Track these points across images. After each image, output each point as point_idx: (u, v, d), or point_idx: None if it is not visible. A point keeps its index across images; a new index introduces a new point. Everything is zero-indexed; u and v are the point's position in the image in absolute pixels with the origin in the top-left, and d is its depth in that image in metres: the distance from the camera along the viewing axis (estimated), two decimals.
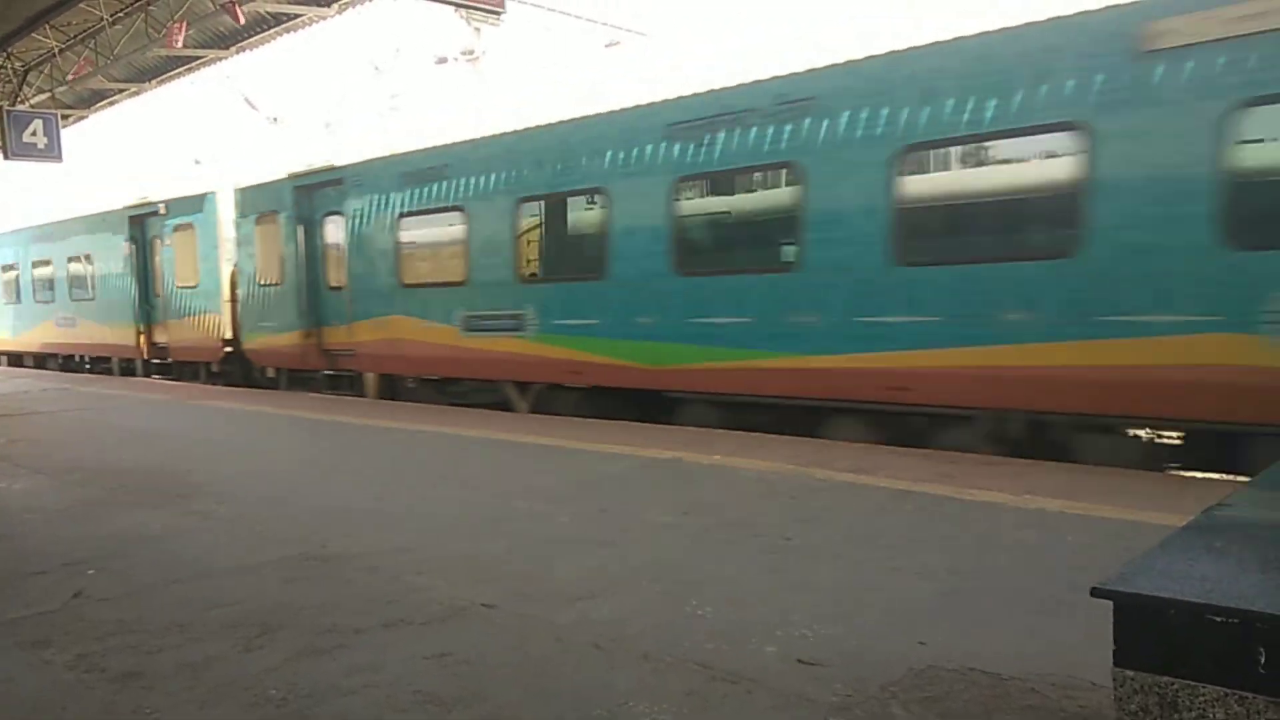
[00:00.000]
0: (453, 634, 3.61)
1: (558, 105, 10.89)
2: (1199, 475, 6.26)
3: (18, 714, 3.07)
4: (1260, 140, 6.17)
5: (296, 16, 15.72)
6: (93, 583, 4.41)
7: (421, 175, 11.69)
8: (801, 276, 8.16)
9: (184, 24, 14.63)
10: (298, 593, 4.16)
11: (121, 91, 20.51)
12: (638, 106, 9.54)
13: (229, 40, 17.22)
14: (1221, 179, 6.12)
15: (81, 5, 15.85)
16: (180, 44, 14.81)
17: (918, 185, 7.60)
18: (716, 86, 8.82)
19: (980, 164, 7.62)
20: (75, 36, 17.66)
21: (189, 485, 6.70)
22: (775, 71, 8.45)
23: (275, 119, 24.78)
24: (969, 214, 7.74)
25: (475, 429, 9.17)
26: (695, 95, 9.01)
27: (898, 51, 7.65)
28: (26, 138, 16.07)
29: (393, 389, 12.94)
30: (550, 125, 10.37)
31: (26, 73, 19.15)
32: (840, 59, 8.03)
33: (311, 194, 13.52)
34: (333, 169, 13.17)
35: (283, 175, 14.01)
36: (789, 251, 8.42)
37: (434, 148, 11.73)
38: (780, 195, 8.55)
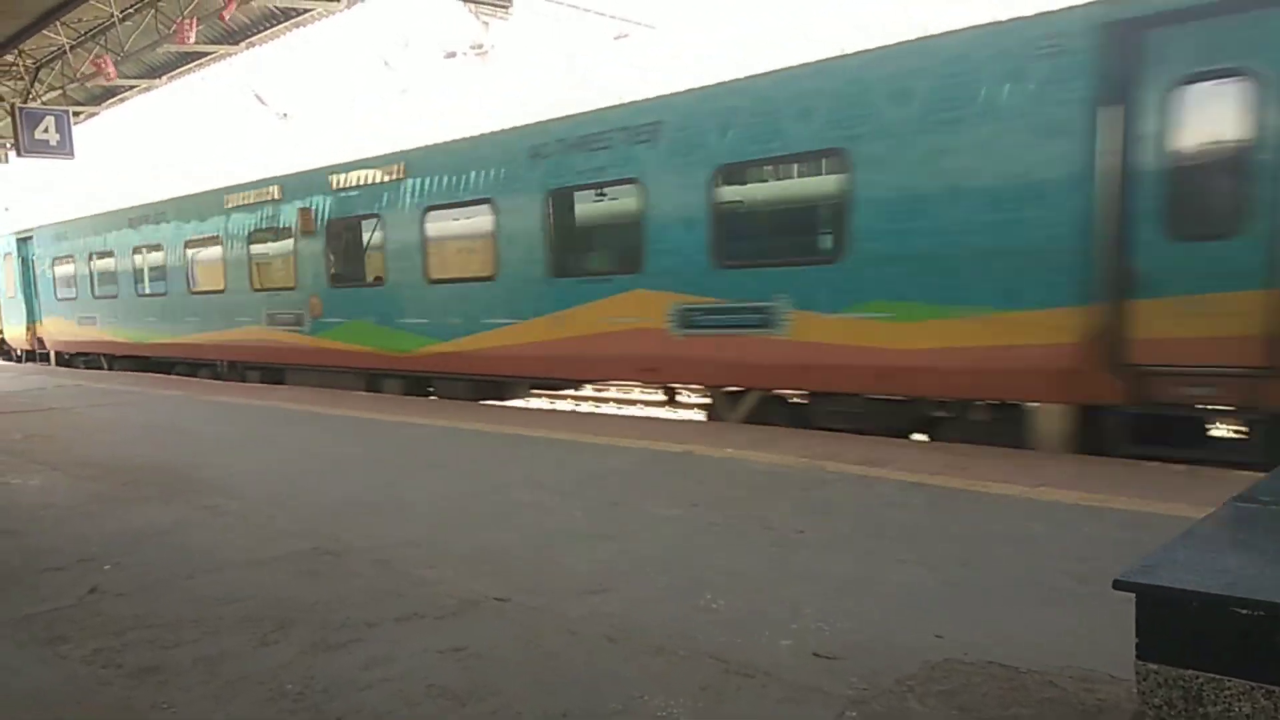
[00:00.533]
0: (465, 628, 3.60)
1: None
2: (1209, 466, 6.22)
3: (36, 709, 3.08)
4: None
5: (306, 11, 15.72)
6: (108, 578, 4.42)
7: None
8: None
9: (194, 20, 14.66)
10: (310, 587, 4.17)
11: (132, 88, 20.55)
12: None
13: (238, 36, 17.25)
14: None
15: (92, 2, 15.90)
16: (192, 40, 14.84)
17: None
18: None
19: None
20: (85, 33, 17.71)
21: (201, 480, 6.72)
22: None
23: (285, 114, 24.82)
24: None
25: (482, 423, 9.17)
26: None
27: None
28: (39, 135, 16.13)
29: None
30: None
31: (38, 70, 19.21)
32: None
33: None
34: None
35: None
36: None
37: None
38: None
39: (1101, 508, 5.10)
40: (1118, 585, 1.81)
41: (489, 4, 12.37)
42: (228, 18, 14.19)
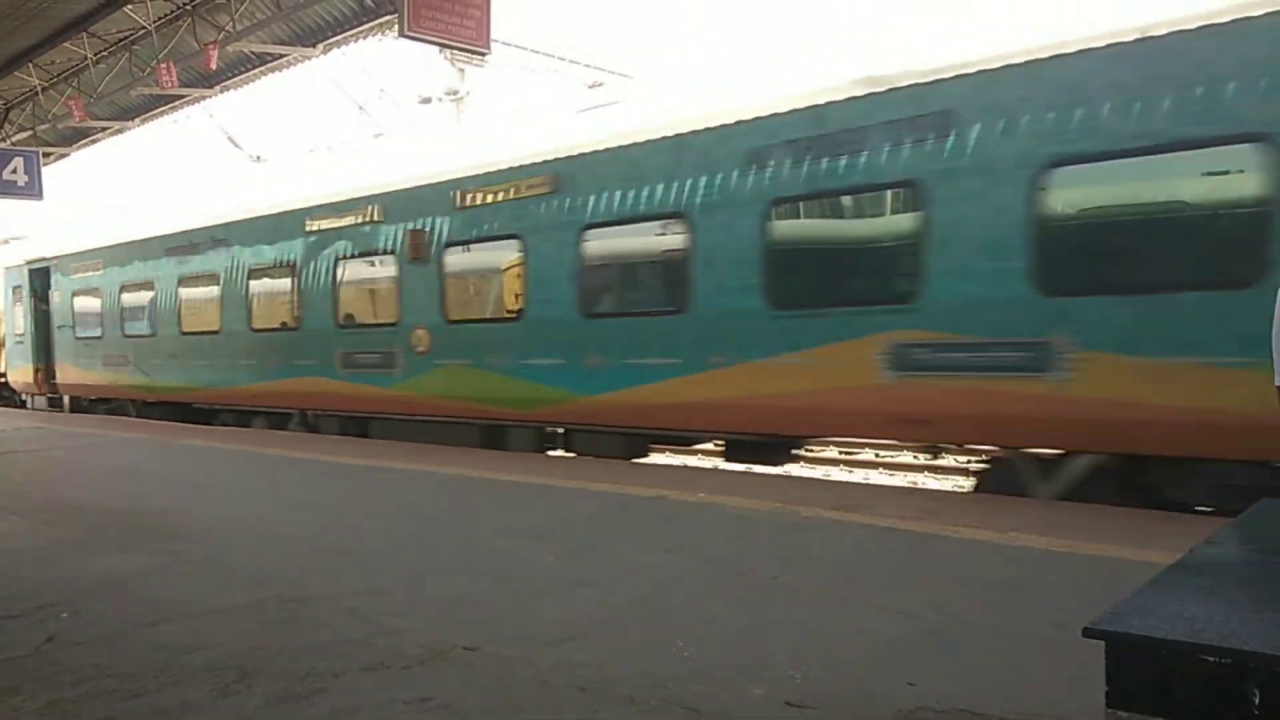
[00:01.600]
0: (433, 677, 3.54)
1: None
2: (1174, 512, 6.27)
3: None
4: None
5: (281, 56, 15.80)
6: (66, 626, 4.31)
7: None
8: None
9: (171, 63, 14.69)
10: (275, 635, 4.08)
11: (104, 130, 20.50)
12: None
13: (213, 79, 17.28)
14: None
15: (66, 45, 15.92)
16: (173, 84, 14.87)
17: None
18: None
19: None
20: (58, 75, 17.69)
21: (165, 525, 6.60)
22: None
23: (258, 157, 24.80)
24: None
25: (454, 466, 9.10)
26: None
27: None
28: (7, 175, 16.02)
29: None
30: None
31: (8, 111, 19.13)
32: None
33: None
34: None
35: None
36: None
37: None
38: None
39: (1070, 553, 5.13)
40: (1087, 633, 1.81)
41: (466, 50, 12.47)
42: (214, 65, 14.22)
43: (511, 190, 10.35)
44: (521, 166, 10.21)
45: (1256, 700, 1.66)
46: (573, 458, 9.69)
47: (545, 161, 9.98)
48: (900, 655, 3.66)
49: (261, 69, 16.58)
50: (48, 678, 3.65)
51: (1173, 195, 6.38)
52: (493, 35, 11.35)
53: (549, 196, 9.91)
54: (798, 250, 8.22)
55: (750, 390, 8.24)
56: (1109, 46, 6.42)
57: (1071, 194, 6.70)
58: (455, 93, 24.37)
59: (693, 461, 12.04)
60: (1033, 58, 6.73)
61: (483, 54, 12.20)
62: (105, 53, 16.50)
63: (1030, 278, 6.69)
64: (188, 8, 14.86)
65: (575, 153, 9.70)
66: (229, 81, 17.32)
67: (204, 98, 18.32)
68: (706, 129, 8.66)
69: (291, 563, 5.43)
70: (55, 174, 22.27)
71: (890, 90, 7.41)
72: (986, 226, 6.89)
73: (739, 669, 3.52)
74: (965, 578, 4.75)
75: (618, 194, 9.27)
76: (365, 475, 8.93)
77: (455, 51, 17.29)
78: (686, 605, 4.40)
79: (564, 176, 9.75)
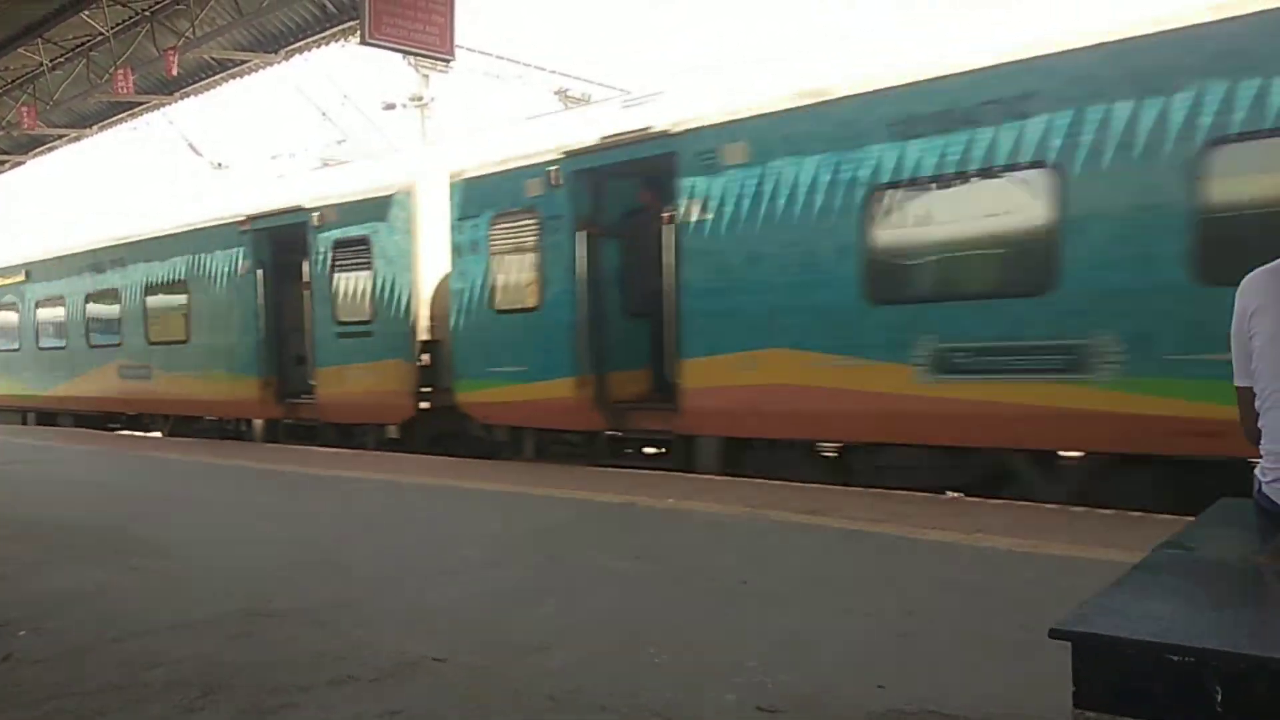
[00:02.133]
0: (402, 690, 3.51)
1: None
2: (1137, 512, 6.37)
3: None
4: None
5: (243, 63, 15.62)
6: (25, 644, 4.22)
7: None
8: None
9: (129, 70, 14.47)
10: (241, 650, 4.03)
11: (61, 137, 20.16)
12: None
13: (172, 86, 17.04)
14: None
15: (20, 51, 15.64)
16: (129, 90, 14.63)
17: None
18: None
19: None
20: (12, 82, 17.37)
21: (127, 539, 6.49)
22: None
23: (220, 164, 24.53)
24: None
25: (421, 476, 9.04)
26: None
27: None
28: None
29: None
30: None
31: None
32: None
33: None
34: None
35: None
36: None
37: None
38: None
39: (1036, 553, 5.19)
40: (1054, 634, 1.83)
41: (430, 56, 12.41)
42: (174, 72, 14.01)
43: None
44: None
45: (1219, 697, 1.68)
46: (542, 465, 9.65)
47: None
48: (870, 658, 3.68)
49: (222, 75, 16.37)
50: (6, 697, 3.57)
51: None
52: (457, 41, 11.31)
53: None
54: None
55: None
56: None
57: None
58: (420, 98, 24.26)
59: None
60: None
61: (446, 60, 12.14)
62: (62, 59, 16.22)
63: None
64: (146, 14, 14.65)
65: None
66: (189, 88, 17.08)
67: (163, 105, 18.06)
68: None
69: (257, 575, 5.36)
70: (10, 182, 21.90)
71: None
72: None
73: (710, 675, 3.52)
74: (933, 580, 4.79)
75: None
76: (331, 485, 8.84)
77: (419, 58, 17.20)
78: (657, 612, 4.40)
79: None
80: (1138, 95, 6.44)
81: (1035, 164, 6.81)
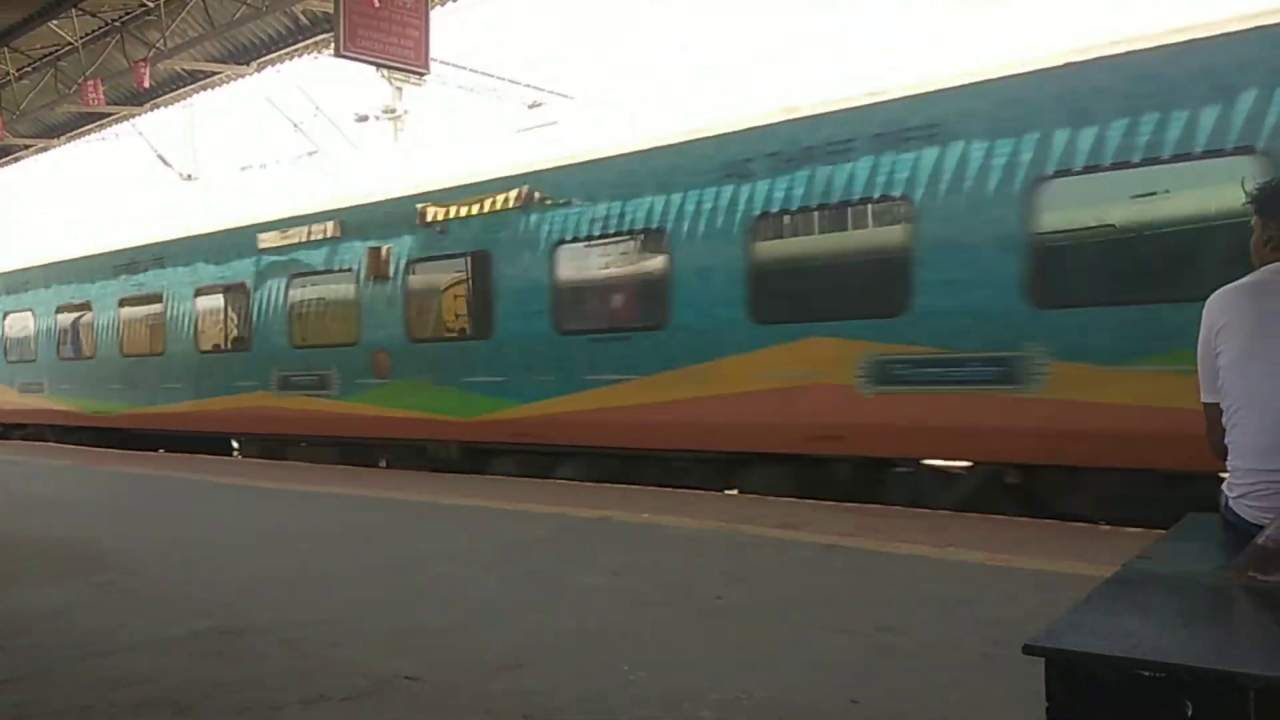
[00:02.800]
0: (375, 709, 3.48)
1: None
2: (1106, 526, 6.45)
3: None
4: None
5: (213, 74, 15.52)
6: None
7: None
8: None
9: (99, 80, 14.32)
10: (211, 669, 3.98)
11: (27, 148, 19.91)
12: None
13: (142, 98, 16.89)
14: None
15: None
16: (99, 101, 14.47)
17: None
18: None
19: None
20: None
21: (95, 555, 6.39)
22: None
23: (189, 175, 24.32)
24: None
25: (395, 491, 8.98)
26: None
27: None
28: None
29: None
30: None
31: None
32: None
33: None
34: None
35: None
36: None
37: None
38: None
39: (1008, 568, 5.23)
40: (1027, 650, 1.85)
41: (404, 69, 12.40)
42: (145, 84, 13.88)
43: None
44: None
45: (1189, 712, 1.71)
46: (516, 480, 9.62)
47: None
48: (846, 674, 3.69)
49: (193, 86, 16.25)
50: None
51: None
52: (432, 54, 11.30)
53: None
54: None
55: None
56: None
57: None
58: (392, 111, 24.21)
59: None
60: None
61: (421, 74, 12.14)
62: (29, 68, 16.04)
63: None
64: (116, 24, 14.52)
65: None
66: (159, 99, 16.93)
67: (133, 116, 17.90)
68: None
69: (228, 592, 5.30)
70: None
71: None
72: None
73: (687, 691, 3.52)
74: (906, 594, 4.82)
75: None
76: (304, 501, 8.77)
77: (392, 70, 17.16)
78: (633, 628, 4.39)
79: None
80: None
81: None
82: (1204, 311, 2.86)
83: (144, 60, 13.62)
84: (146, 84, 13.72)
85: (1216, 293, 2.85)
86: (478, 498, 8.31)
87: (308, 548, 6.58)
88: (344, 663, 3.99)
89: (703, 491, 8.41)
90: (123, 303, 15.72)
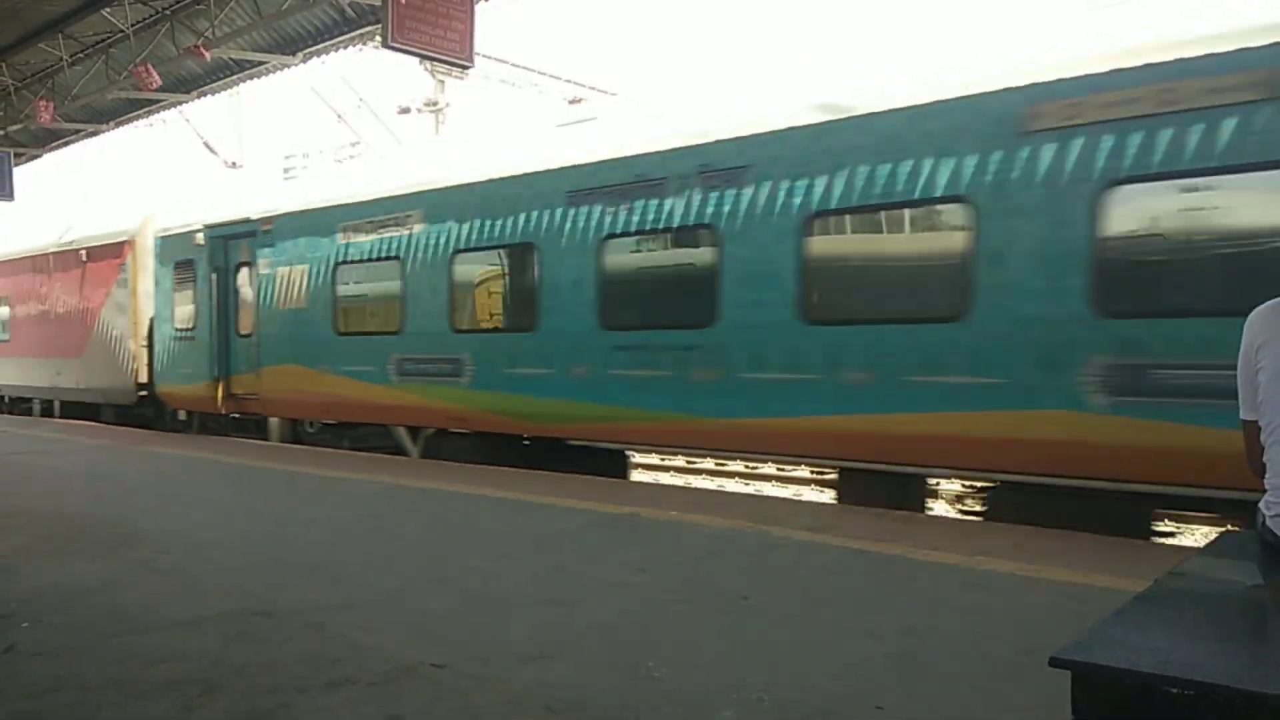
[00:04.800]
0: (400, 695, 3.51)
1: None
2: (1142, 540, 6.35)
3: None
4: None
5: (261, 64, 15.73)
6: (27, 636, 4.24)
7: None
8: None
9: (149, 65, 14.57)
10: (240, 649, 4.04)
11: (78, 132, 20.30)
12: None
13: (190, 85, 17.18)
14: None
15: (40, 45, 15.77)
16: (156, 85, 14.76)
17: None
18: None
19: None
20: (32, 76, 17.50)
21: (129, 534, 6.51)
22: None
23: (234, 163, 24.65)
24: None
25: (427, 480, 9.05)
26: None
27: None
28: None
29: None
30: None
31: None
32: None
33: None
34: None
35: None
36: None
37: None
38: None
39: (1038, 578, 5.17)
40: (1054, 662, 1.83)
41: (449, 62, 12.49)
42: (208, 58, 14.25)
43: None
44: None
45: None
46: (548, 474, 9.65)
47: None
48: (869, 678, 3.67)
49: (240, 75, 16.49)
50: (7, 689, 3.59)
51: None
52: (475, 48, 11.36)
53: None
54: None
55: None
56: None
57: None
58: (434, 104, 24.39)
59: (665, 479, 12.05)
60: None
61: (465, 67, 12.21)
62: (81, 55, 16.34)
63: None
64: (166, 12, 14.76)
65: None
66: (207, 87, 17.21)
67: (181, 103, 18.20)
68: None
69: (259, 575, 5.37)
70: (24, 174, 22.02)
71: None
72: None
73: (709, 691, 3.52)
74: (934, 601, 4.78)
75: None
76: (336, 488, 8.86)
77: (436, 63, 17.28)
78: (658, 625, 4.40)
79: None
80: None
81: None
82: (1245, 328, 2.83)
83: (197, 47, 13.83)
84: (209, 58, 14.12)
85: (1257, 310, 2.82)
86: (509, 490, 8.36)
87: (337, 533, 6.65)
88: (370, 648, 4.03)
89: (731, 491, 8.38)
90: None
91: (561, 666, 3.82)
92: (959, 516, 7.22)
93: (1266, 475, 2.73)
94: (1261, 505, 2.77)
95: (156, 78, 14.54)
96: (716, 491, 8.28)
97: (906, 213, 7.57)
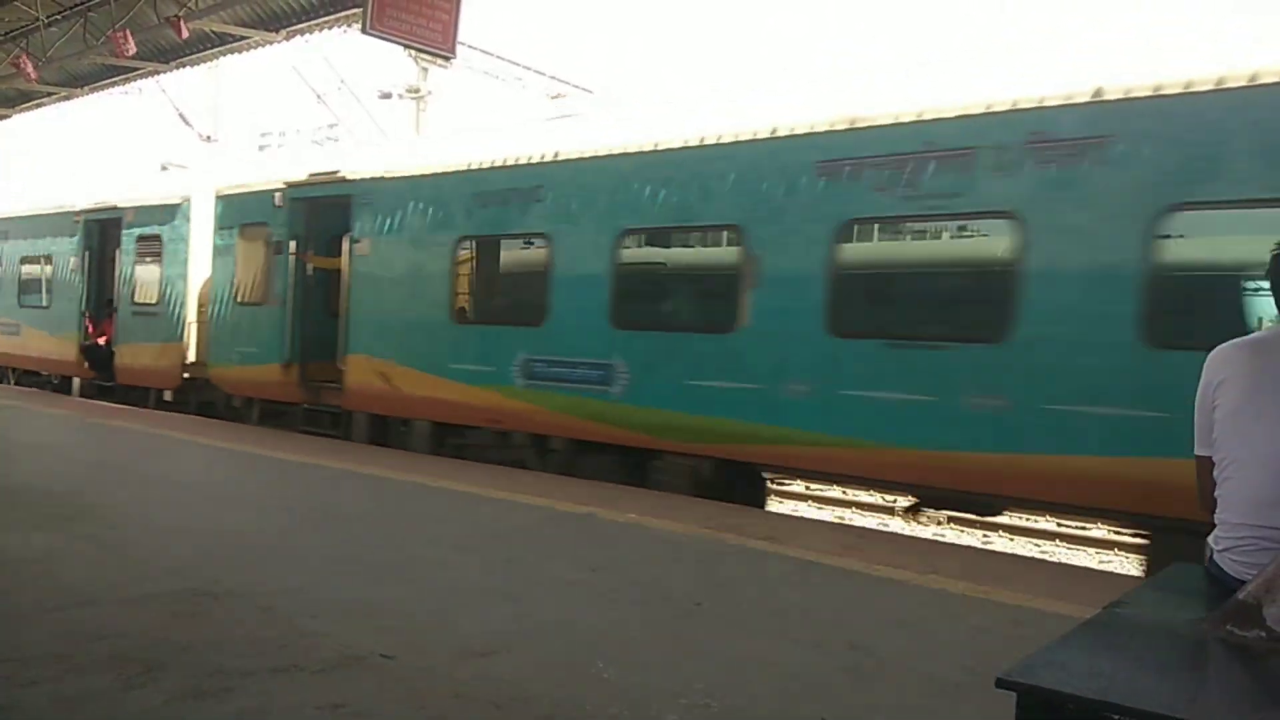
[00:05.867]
0: (347, 683, 3.48)
1: None
2: (1091, 567, 6.45)
3: None
4: None
5: (243, 38, 15.52)
6: None
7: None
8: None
9: (128, 32, 14.33)
10: (185, 629, 3.98)
11: (50, 95, 19.91)
12: None
13: (169, 55, 16.90)
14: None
15: (16, 3, 15.47)
16: (131, 52, 14.48)
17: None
18: None
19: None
20: (6, 34, 17.15)
21: (79, 506, 6.40)
22: None
23: (209, 137, 24.33)
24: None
25: (387, 469, 8.98)
26: None
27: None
28: None
29: None
30: None
31: None
32: None
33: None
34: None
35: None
36: None
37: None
38: None
39: (988, 599, 5.23)
40: (1000, 683, 1.85)
41: (432, 52, 12.41)
42: (185, 35, 13.85)
43: None
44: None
45: None
46: (509, 469, 9.61)
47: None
48: (816, 690, 3.70)
49: (221, 49, 16.26)
50: None
51: None
52: (460, 38, 11.30)
53: None
54: None
55: None
56: None
57: None
58: (416, 90, 24.23)
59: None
60: None
61: (447, 57, 12.14)
62: (59, 15, 16.04)
63: None
64: None
65: None
66: (186, 59, 16.94)
67: (159, 72, 17.90)
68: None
69: (209, 555, 5.31)
70: None
71: None
72: None
73: (656, 693, 3.53)
74: (883, 617, 4.82)
75: None
76: (296, 472, 8.77)
77: (421, 52, 17.16)
78: (609, 626, 4.39)
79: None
80: None
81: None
82: (1205, 366, 2.87)
83: (178, 18, 13.62)
84: (185, 35, 13.72)
85: (1218, 348, 2.86)
86: (468, 483, 8.31)
87: (290, 518, 6.59)
88: (319, 635, 3.99)
89: (689, 496, 8.38)
90: None
91: (510, 662, 3.81)
92: (913, 534, 7.28)
93: (1218, 511, 2.78)
94: (1210, 540, 2.82)
95: (133, 45, 14.28)
96: (673, 496, 8.27)
97: None
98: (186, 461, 9.25)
